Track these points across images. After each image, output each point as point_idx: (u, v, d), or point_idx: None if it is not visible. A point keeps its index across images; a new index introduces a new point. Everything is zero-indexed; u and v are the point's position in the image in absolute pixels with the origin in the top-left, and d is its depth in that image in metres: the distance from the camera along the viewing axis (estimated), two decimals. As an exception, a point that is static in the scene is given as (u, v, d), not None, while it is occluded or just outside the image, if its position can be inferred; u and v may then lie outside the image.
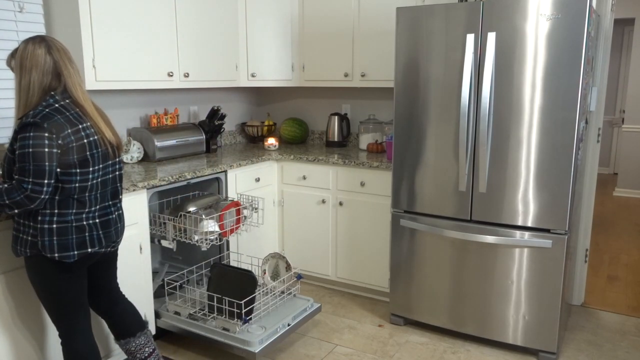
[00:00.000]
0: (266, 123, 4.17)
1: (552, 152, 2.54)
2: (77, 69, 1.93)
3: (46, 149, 1.75)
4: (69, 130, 1.82)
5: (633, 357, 2.80)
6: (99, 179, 1.95)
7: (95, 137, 1.92)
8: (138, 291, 2.65)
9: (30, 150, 1.74)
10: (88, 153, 1.88)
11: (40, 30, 2.76)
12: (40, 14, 2.76)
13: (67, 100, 1.88)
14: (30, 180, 1.75)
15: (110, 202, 2.04)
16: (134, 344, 2.25)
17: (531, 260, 2.66)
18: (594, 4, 2.69)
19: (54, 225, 1.85)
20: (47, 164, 1.76)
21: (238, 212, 2.95)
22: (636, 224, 5.50)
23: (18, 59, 1.84)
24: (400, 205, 3.01)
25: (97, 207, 1.97)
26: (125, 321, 2.24)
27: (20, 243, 1.89)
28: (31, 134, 1.75)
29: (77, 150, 1.84)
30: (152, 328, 2.77)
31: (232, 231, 2.92)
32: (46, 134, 1.75)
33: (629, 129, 6.57)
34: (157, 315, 2.81)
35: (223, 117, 3.66)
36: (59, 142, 1.79)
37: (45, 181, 1.76)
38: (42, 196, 1.77)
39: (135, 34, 2.89)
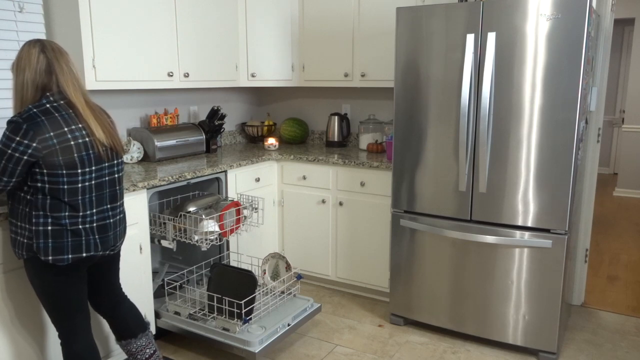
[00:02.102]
0: (266, 123, 4.17)
1: (552, 152, 2.54)
2: (73, 70, 1.93)
3: (9, 151, 1.77)
4: (51, 134, 1.81)
5: (633, 357, 2.80)
6: (93, 182, 1.93)
7: (87, 139, 1.89)
8: (138, 291, 2.65)
9: (0, 146, 1.79)
10: (76, 155, 1.86)
11: (40, 30, 2.76)
12: (40, 14, 2.76)
13: (62, 102, 1.88)
14: None
15: (109, 206, 2.01)
16: (135, 345, 2.25)
17: (531, 260, 2.66)
18: (594, 4, 2.69)
19: (49, 228, 1.85)
20: (4, 161, 1.79)
21: (238, 212, 2.95)
22: (636, 224, 5.50)
23: (15, 61, 1.88)
24: (400, 205, 3.01)
25: (94, 210, 1.95)
26: (127, 322, 2.24)
27: (18, 246, 1.89)
28: (7, 133, 1.79)
29: (62, 152, 1.83)
30: (152, 328, 2.77)
31: (232, 231, 2.92)
32: (17, 138, 1.77)
33: (629, 129, 6.57)
34: (157, 315, 2.81)
35: (223, 117, 3.66)
36: (35, 145, 1.78)
37: (3, 177, 1.80)
38: None
39: (135, 34, 2.89)
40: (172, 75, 3.15)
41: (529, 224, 2.65)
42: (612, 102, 8.06)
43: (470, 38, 2.62)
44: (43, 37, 2.76)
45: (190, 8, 3.24)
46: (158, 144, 3.21)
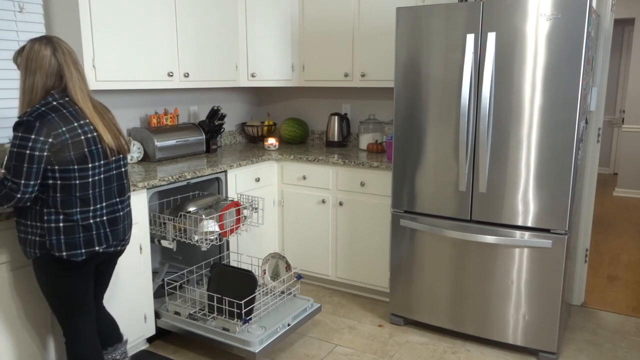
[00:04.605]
0: (266, 123, 4.17)
1: (552, 152, 2.54)
2: (81, 71, 1.95)
3: (28, 151, 1.76)
4: (64, 129, 1.83)
5: (633, 357, 2.80)
6: (102, 176, 1.96)
7: (94, 134, 1.92)
8: (138, 291, 2.65)
9: (15, 150, 1.77)
10: (86, 149, 1.88)
11: (40, 30, 2.76)
12: (40, 14, 2.76)
13: (66, 99, 1.89)
14: (10, 178, 1.78)
15: (118, 199, 2.04)
16: (110, 357, 2.26)
17: (531, 260, 2.66)
18: (594, 4, 2.69)
19: (61, 224, 1.87)
20: (25, 165, 1.77)
21: (238, 212, 2.95)
22: (636, 224, 5.50)
23: (24, 59, 1.87)
24: (400, 205, 3.01)
25: (104, 204, 1.97)
26: (105, 331, 2.25)
27: (30, 244, 1.90)
28: (20, 134, 1.77)
29: (74, 147, 1.85)
30: (152, 328, 2.77)
31: (232, 231, 2.92)
32: (33, 136, 1.76)
33: (629, 129, 6.57)
34: (157, 315, 2.81)
35: (223, 117, 3.66)
36: (51, 140, 1.79)
37: (22, 181, 1.77)
38: (18, 195, 1.78)
39: (135, 34, 2.89)
40: (172, 75, 3.14)
41: (529, 224, 2.65)
42: (612, 102, 8.06)
43: (470, 38, 2.62)
44: (43, 37, 2.76)
45: (190, 8, 3.24)
46: (158, 144, 3.21)
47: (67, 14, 2.66)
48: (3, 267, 2.08)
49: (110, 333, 2.25)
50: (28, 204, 1.84)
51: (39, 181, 1.81)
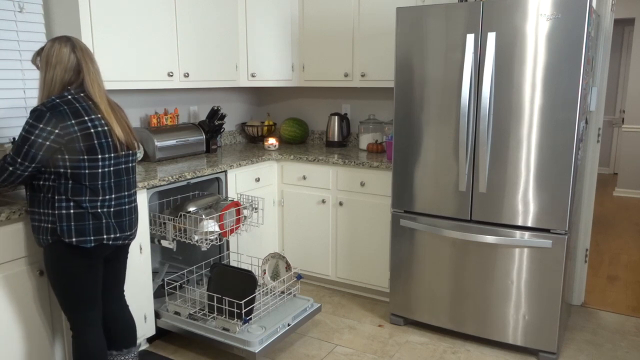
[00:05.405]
0: (266, 123, 4.17)
1: (552, 152, 2.54)
2: (97, 69, 2.04)
3: (32, 137, 1.86)
4: (73, 121, 1.91)
5: (633, 357, 2.80)
6: (112, 168, 2.02)
7: (105, 128, 1.99)
8: (138, 291, 2.65)
9: (23, 133, 1.89)
10: (96, 142, 1.95)
11: (40, 30, 2.76)
12: (40, 14, 2.76)
13: (82, 94, 1.98)
14: (11, 154, 1.90)
15: (126, 193, 2.09)
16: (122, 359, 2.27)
17: (531, 260, 2.66)
18: (594, 4, 2.69)
19: (71, 211, 1.93)
20: (26, 147, 1.86)
21: (238, 212, 2.95)
22: (636, 224, 5.50)
23: (44, 57, 1.97)
24: (400, 205, 3.01)
25: (113, 196, 2.03)
26: (117, 331, 2.26)
27: (42, 232, 1.96)
28: (30, 120, 1.88)
29: (83, 139, 1.92)
30: (152, 328, 2.77)
31: (232, 231, 2.92)
32: (41, 125, 1.86)
33: (629, 129, 6.57)
34: (157, 315, 2.81)
35: (223, 117, 3.66)
36: (57, 131, 1.87)
37: (19, 159, 1.87)
38: (11, 168, 1.88)
39: (135, 34, 2.89)
40: (172, 75, 3.14)
41: (529, 224, 2.65)
42: (612, 102, 8.06)
43: (470, 38, 2.62)
44: (43, 37, 2.76)
45: (190, 8, 3.24)
46: (158, 144, 3.21)
47: (67, 14, 2.66)
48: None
49: (127, 334, 2.28)
50: (16, 183, 1.93)
51: (33, 165, 1.88)
